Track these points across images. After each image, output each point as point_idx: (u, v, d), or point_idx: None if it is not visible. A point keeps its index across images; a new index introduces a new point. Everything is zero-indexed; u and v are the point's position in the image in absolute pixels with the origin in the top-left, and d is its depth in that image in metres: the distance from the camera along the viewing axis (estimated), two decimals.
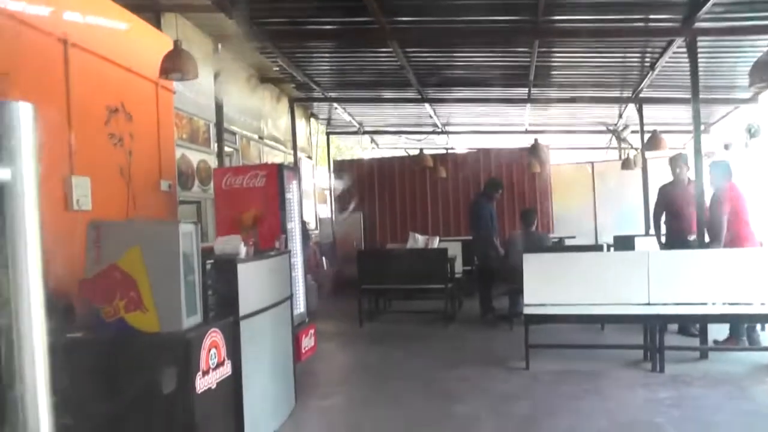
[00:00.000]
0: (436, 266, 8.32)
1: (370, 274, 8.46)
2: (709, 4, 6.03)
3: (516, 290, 7.34)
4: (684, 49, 6.88)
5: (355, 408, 5.05)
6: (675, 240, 7.11)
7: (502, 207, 9.00)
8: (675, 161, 7.39)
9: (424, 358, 6.48)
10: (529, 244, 7.77)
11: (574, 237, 11.30)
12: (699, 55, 7.12)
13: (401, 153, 15.66)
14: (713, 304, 5.81)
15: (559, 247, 9.59)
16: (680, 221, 7.15)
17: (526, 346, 5.88)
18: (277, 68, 9.75)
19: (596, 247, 9.49)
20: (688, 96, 7.19)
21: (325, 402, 5.13)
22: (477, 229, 8.72)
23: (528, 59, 8.59)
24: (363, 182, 13.16)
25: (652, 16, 6.83)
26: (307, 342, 6.47)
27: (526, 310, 6.08)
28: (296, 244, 6.37)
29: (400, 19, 7.17)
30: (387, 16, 6.94)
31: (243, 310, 3.85)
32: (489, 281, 8.51)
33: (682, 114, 11.57)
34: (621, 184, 12.64)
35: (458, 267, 9.39)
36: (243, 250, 4.04)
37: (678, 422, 4.34)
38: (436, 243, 9.42)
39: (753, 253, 6.16)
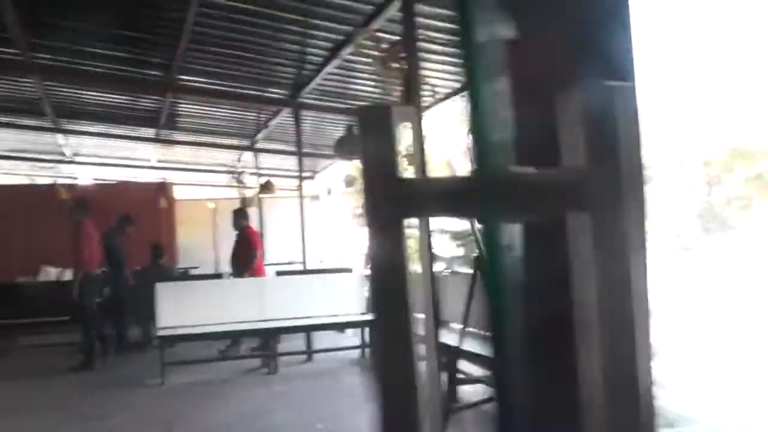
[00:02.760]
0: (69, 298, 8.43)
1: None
2: (308, 88, 8.02)
3: (147, 318, 7.98)
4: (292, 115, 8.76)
5: None
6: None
7: (132, 241, 9.45)
8: (235, 216, 8.89)
9: (65, 388, 6.68)
10: (157, 275, 8.46)
11: (197, 267, 12.25)
12: (308, 120, 9.20)
13: (25, 180, 14.51)
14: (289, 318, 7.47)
15: (185, 276, 10.50)
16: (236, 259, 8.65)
17: (162, 364, 6.67)
18: None
19: (216, 276, 10.59)
20: (296, 149, 9.09)
21: None
22: (109, 262, 9.03)
23: (160, 105, 9.48)
24: None
25: (268, 89, 8.53)
26: None
27: (161, 333, 6.88)
28: None
29: (43, 55, 7.41)
30: (31, 51, 7.10)
31: None
32: (120, 311, 8.89)
33: (293, 162, 13.76)
34: None
35: None
36: None
37: (287, 406, 5.77)
38: (68, 275, 9.36)
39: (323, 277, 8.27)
